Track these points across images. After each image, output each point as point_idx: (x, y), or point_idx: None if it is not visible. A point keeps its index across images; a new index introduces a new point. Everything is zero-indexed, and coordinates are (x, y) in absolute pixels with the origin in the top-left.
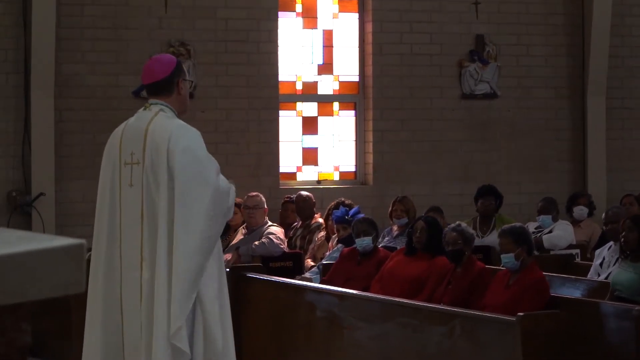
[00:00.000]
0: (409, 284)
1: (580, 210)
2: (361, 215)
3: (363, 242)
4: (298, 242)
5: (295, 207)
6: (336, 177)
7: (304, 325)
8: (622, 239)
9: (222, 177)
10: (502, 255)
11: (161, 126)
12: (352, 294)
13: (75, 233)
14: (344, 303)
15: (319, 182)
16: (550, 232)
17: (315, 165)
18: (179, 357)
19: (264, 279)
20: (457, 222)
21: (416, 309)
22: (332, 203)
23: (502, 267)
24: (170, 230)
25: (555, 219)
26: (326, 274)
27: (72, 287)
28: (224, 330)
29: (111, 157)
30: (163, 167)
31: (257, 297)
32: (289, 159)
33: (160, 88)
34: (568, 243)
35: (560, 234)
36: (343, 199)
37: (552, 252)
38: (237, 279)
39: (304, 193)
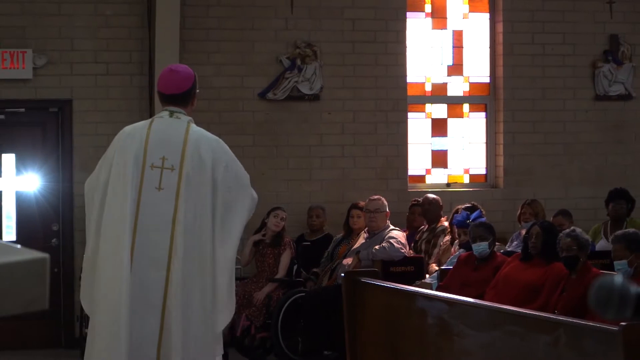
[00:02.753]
0: (524, 290)
1: None
2: (481, 220)
3: (479, 247)
4: (423, 246)
5: (422, 210)
6: (466, 180)
7: (416, 331)
8: None
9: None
10: (615, 262)
11: (202, 138)
12: (461, 300)
13: None
14: (454, 310)
15: (448, 185)
16: None
17: (444, 167)
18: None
19: (377, 284)
20: (572, 228)
21: (522, 316)
22: (460, 207)
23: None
24: (210, 237)
25: None
26: (443, 279)
27: (35, 304)
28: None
29: (128, 157)
30: (207, 177)
31: (372, 302)
32: (417, 162)
33: (180, 99)
34: None
35: None
36: (474, 203)
37: None
38: (352, 284)
39: (431, 196)
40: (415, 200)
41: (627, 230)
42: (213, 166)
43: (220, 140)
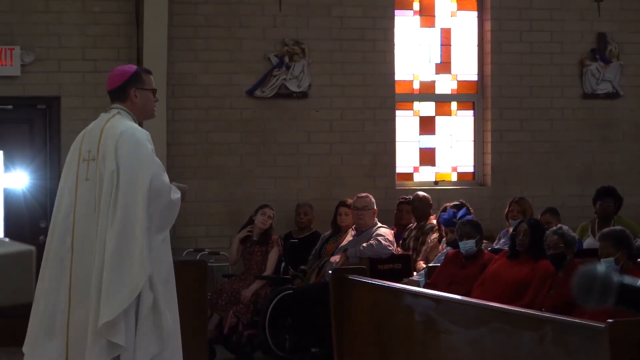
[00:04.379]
0: (511, 287)
1: None
2: (468, 218)
3: (466, 245)
4: (411, 244)
5: (412, 208)
6: (454, 177)
7: (403, 328)
8: None
9: (165, 176)
10: (601, 260)
11: (114, 126)
12: (448, 297)
13: (187, 233)
14: (440, 307)
15: (436, 182)
16: None
17: (432, 165)
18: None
19: (365, 281)
20: (559, 225)
21: (508, 313)
22: (447, 205)
23: None
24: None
25: None
26: (431, 277)
27: (21, 296)
28: (172, 312)
29: (73, 155)
30: (110, 162)
31: (359, 299)
32: (405, 160)
33: (115, 95)
34: None
35: None
36: (461, 201)
37: None
38: (340, 282)
39: (421, 193)
40: (403, 198)
41: (613, 227)
42: (116, 150)
43: (138, 127)
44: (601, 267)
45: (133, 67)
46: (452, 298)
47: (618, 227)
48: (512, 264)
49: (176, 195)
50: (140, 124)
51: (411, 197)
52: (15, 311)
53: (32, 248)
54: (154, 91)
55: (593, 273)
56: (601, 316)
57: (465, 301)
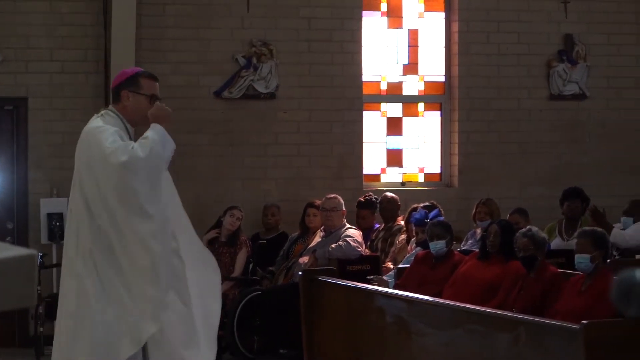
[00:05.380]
0: (482, 288)
1: None
2: (439, 219)
3: (436, 246)
4: (380, 245)
5: (379, 209)
6: (421, 179)
7: (375, 329)
8: None
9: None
10: (577, 255)
11: (88, 126)
12: (421, 299)
13: None
14: (413, 308)
15: (403, 184)
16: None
17: (399, 166)
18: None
19: (335, 282)
20: (528, 227)
21: (482, 315)
22: (418, 205)
23: (576, 267)
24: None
25: (637, 222)
26: (400, 278)
27: (24, 301)
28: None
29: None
30: (79, 163)
31: (329, 300)
32: (373, 161)
33: (112, 96)
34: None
35: (630, 233)
36: (433, 202)
37: (637, 257)
38: (309, 283)
39: (389, 194)
40: (364, 198)
41: (594, 228)
42: (79, 157)
43: (104, 126)
44: (639, 273)
45: (135, 70)
46: (424, 299)
47: (599, 229)
48: (482, 264)
49: (145, 145)
50: (134, 129)
51: (364, 199)
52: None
53: (35, 252)
54: (152, 97)
55: (631, 280)
56: (569, 316)
57: (438, 302)
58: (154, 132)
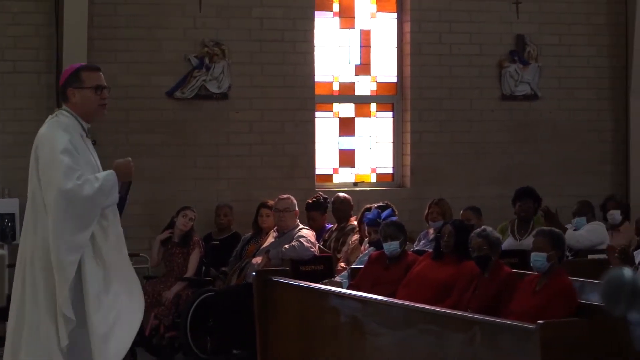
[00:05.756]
0: (436, 288)
1: (611, 215)
2: (392, 219)
3: (390, 247)
4: (332, 245)
5: (332, 209)
6: (373, 179)
7: (329, 330)
8: None
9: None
10: (533, 254)
11: (42, 129)
12: (375, 299)
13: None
14: (367, 308)
15: (355, 184)
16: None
17: (352, 167)
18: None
19: (289, 283)
20: (483, 227)
21: (437, 315)
22: (371, 205)
23: (531, 265)
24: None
25: (590, 222)
26: (354, 278)
27: None
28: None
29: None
30: (33, 165)
31: (283, 301)
32: (325, 161)
33: (61, 96)
34: (593, 244)
35: (582, 234)
36: (387, 202)
37: (589, 257)
38: (263, 283)
39: (342, 195)
40: (312, 199)
41: (553, 228)
42: (36, 152)
43: (56, 130)
44: (628, 271)
45: (75, 66)
46: (378, 299)
47: (558, 230)
48: (436, 265)
49: (93, 186)
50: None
51: (312, 201)
52: None
53: (4, 252)
54: (97, 87)
55: (620, 279)
56: (524, 316)
57: (392, 302)
58: (107, 180)
